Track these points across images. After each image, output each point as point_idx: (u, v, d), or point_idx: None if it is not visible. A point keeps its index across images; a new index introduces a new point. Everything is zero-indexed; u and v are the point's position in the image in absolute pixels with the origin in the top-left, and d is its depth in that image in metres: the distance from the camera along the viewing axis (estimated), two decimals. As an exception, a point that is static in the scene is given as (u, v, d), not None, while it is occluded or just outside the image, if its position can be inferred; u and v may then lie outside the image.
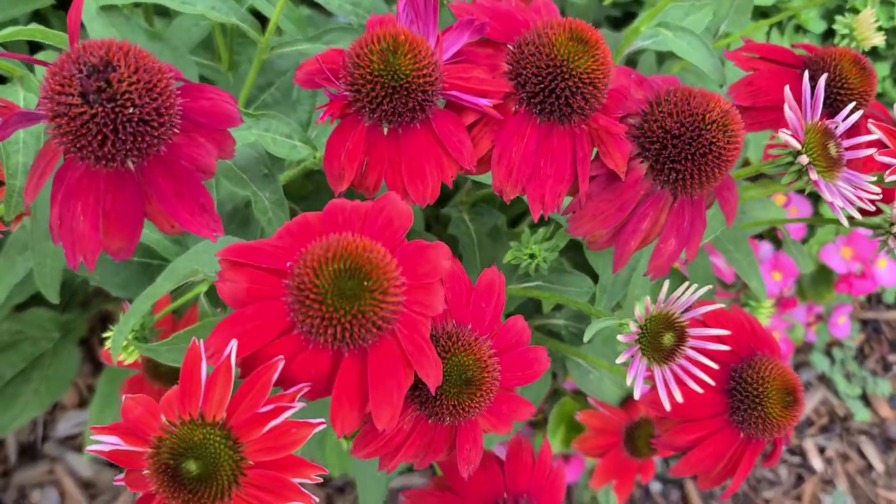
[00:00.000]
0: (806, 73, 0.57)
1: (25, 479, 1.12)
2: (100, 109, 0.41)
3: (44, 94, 0.43)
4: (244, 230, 0.70)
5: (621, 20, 1.04)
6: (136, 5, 0.84)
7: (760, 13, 1.16)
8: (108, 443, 0.42)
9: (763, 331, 0.63)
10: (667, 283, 0.53)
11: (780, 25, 1.22)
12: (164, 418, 0.42)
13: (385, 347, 0.43)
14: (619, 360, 0.52)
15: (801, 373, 1.32)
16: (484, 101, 0.49)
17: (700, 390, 0.53)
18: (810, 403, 1.29)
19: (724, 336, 0.60)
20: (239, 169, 0.65)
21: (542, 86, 0.49)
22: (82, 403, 1.19)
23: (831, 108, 0.66)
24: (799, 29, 1.22)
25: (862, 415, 1.29)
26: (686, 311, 0.54)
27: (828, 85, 0.65)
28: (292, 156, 0.64)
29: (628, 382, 0.52)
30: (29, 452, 1.14)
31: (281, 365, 0.42)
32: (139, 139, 0.43)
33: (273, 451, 0.42)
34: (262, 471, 0.42)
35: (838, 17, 0.78)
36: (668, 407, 0.53)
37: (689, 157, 0.52)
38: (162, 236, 0.70)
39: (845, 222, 0.56)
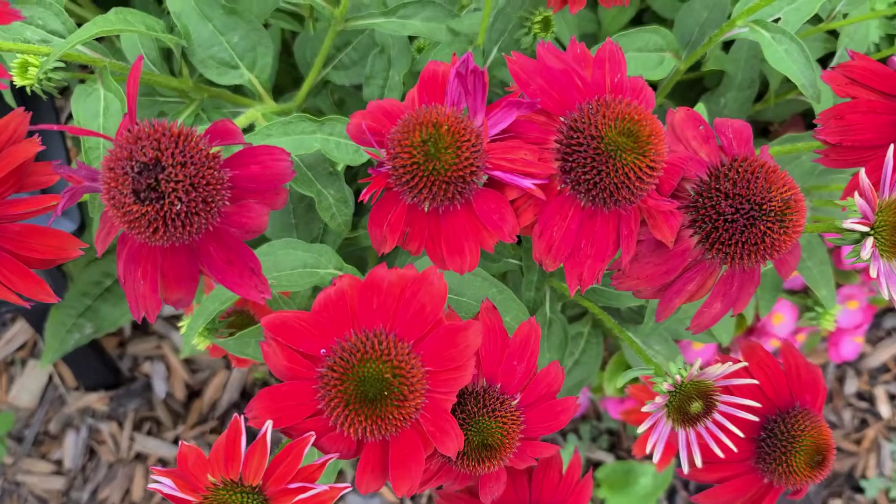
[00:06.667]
0: None
1: (137, 351, 1.26)
2: (150, 208, 0.44)
3: (103, 171, 0.46)
4: (310, 215, 0.73)
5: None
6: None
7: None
8: (165, 484, 0.49)
9: (809, 374, 0.63)
10: (699, 361, 0.53)
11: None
12: (210, 477, 0.47)
13: (405, 436, 0.47)
14: (641, 429, 0.54)
15: (886, 319, 1.28)
16: (527, 183, 0.48)
17: (721, 455, 0.55)
18: (890, 351, 1.26)
19: (761, 385, 0.61)
20: (306, 167, 0.67)
21: (586, 177, 0.48)
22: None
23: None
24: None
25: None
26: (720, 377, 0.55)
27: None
28: (356, 160, 0.65)
29: (647, 447, 0.54)
30: (140, 328, 1.28)
31: (312, 440, 0.47)
32: (188, 226, 0.46)
33: (303, 512, 0.48)
34: (292, 528, 0.48)
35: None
36: (686, 470, 0.55)
37: (740, 242, 0.50)
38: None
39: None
